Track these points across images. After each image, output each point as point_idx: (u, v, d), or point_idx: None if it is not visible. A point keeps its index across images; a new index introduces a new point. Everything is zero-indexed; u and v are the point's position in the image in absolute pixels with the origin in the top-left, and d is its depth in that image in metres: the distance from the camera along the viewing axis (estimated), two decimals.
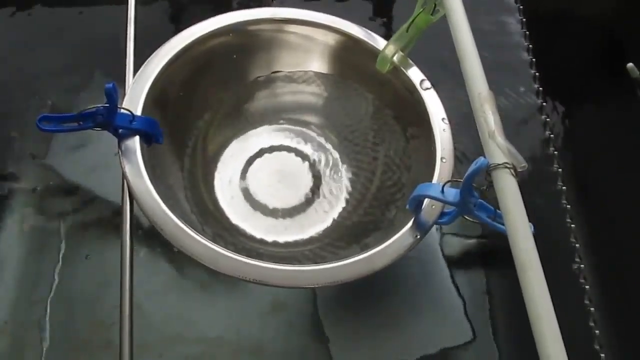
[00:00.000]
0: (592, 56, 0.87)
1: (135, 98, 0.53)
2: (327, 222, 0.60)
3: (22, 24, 0.85)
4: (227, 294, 0.67)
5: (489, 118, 0.44)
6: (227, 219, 0.59)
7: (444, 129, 0.56)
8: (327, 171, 0.63)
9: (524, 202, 0.41)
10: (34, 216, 0.70)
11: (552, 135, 0.79)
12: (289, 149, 0.64)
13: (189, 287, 0.68)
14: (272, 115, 0.65)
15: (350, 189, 0.62)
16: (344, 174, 0.63)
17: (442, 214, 0.52)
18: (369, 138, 0.63)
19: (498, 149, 0.43)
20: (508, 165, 0.42)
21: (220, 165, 0.62)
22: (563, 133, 0.81)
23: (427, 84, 0.58)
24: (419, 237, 0.50)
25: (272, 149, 0.64)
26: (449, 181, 0.46)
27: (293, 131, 0.65)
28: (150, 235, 0.69)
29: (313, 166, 0.63)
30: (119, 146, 0.51)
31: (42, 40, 0.83)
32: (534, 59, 0.86)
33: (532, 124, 0.82)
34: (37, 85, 0.79)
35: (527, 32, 0.89)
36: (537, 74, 0.86)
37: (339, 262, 0.47)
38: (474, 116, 0.46)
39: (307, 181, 0.63)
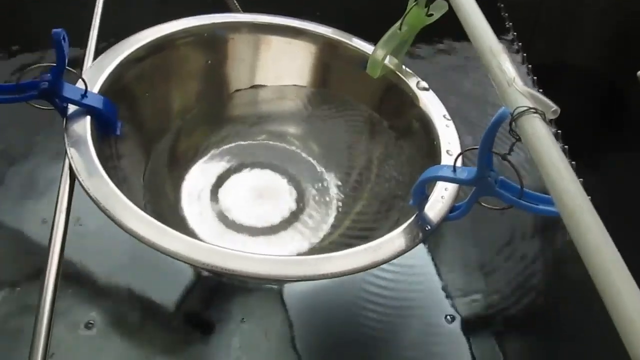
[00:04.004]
0: (593, 106, 0.85)
1: (92, 78, 0.46)
2: (316, 237, 0.51)
3: None
4: None
5: (505, 66, 0.38)
6: (195, 236, 0.49)
7: (447, 125, 0.49)
8: (312, 185, 0.55)
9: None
10: None
11: None
12: (268, 164, 0.56)
13: None
14: (251, 128, 0.58)
15: (340, 201, 0.53)
16: (332, 187, 0.55)
17: (453, 208, 0.43)
18: (359, 148, 0.56)
19: (521, 95, 0.36)
20: (538, 110, 0.35)
21: (188, 178, 0.53)
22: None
23: (424, 84, 0.53)
24: (429, 228, 0.41)
25: (249, 165, 0.56)
26: (464, 151, 0.39)
27: (273, 146, 0.57)
28: (104, 298, 0.60)
29: (295, 181, 0.55)
30: (65, 127, 0.43)
31: None
32: None
33: None
34: None
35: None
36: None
37: (336, 252, 0.38)
38: (487, 72, 0.40)
39: (289, 197, 0.54)
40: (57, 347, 0.55)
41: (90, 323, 0.55)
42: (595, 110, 0.83)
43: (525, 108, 0.34)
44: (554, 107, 0.35)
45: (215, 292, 0.63)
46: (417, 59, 0.76)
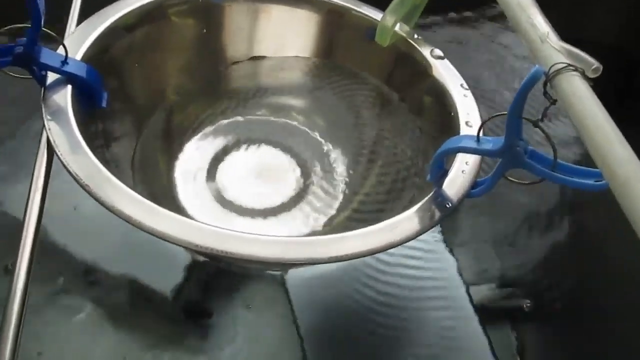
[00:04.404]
0: (610, 81, 0.80)
1: (74, 45, 0.41)
2: (323, 218, 0.47)
3: None
4: None
5: (536, 20, 0.34)
6: (190, 218, 0.45)
7: (465, 95, 0.45)
8: (317, 163, 0.51)
9: None
10: None
11: None
12: (269, 141, 0.52)
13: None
14: (250, 103, 0.53)
15: (348, 179, 0.49)
16: (339, 164, 0.50)
17: (475, 184, 0.39)
18: (368, 123, 0.51)
19: (557, 52, 0.32)
20: (577, 67, 0.31)
21: (182, 157, 0.49)
22: None
23: (439, 52, 0.49)
24: (450, 205, 0.37)
25: (249, 141, 0.52)
26: (492, 117, 0.34)
27: (275, 121, 0.53)
28: (98, 287, 0.56)
29: (299, 159, 0.51)
30: (43, 97, 0.38)
31: None
32: None
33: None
34: None
35: None
36: None
37: (348, 232, 0.34)
38: (516, 30, 0.36)
39: (292, 176, 0.50)
40: (48, 337, 0.52)
41: (83, 312, 0.52)
42: (612, 86, 0.79)
43: (563, 65, 0.30)
44: (596, 63, 0.31)
45: (216, 279, 0.59)
46: (427, 29, 0.72)
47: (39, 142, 0.37)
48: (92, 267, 0.56)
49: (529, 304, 0.56)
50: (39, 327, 0.53)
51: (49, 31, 0.37)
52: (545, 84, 0.31)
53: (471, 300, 0.56)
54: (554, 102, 0.31)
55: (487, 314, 0.57)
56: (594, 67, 0.30)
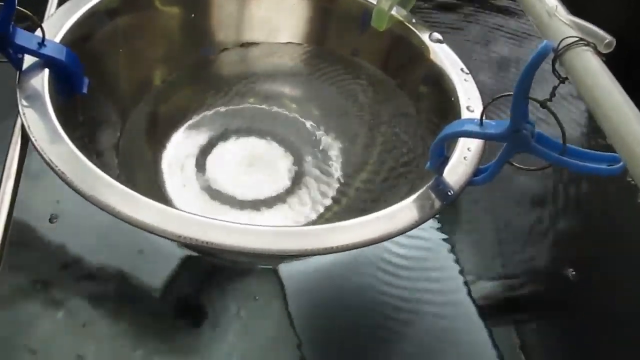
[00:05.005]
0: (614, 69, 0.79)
1: (53, 28, 0.39)
2: (317, 209, 0.45)
3: None
4: None
5: None
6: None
7: (465, 79, 0.43)
8: (310, 152, 0.49)
9: None
10: None
11: None
12: (261, 130, 0.50)
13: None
14: (241, 90, 0.51)
15: (343, 169, 0.47)
16: (334, 153, 0.48)
17: (478, 171, 0.37)
18: (364, 110, 0.49)
19: (566, 26, 0.30)
20: (589, 42, 0.28)
21: (170, 147, 0.47)
22: None
23: (438, 35, 0.46)
24: (452, 193, 0.34)
25: (239, 130, 0.49)
26: (497, 98, 0.32)
27: (267, 110, 0.51)
28: (83, 284, 0.54)
29: (292, 148, 0.49)
30: (18, 80, 0.36)
31: None
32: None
33: None
34: None
35: None
36: None
37: (342, 222, 0.32)
38: (522, 5, 0.33)
39: (285, 166, 0.48)
40: (35, 333, 0.50)
41: (70, 308, 0.50)
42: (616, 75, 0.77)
43: (574, 39, 0.28)
44: (608, 37, 0.29)
45: (209, 275, 0.57)
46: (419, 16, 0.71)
47: (12, 129, 0.34)
48: (80, 262, 0.54)
49: (573, 273, 0.53)
50: (24, 324, 0.51)
51: (23, 10, 0.35)
52: (554, 61, 0.29)
53: (471, 294, 0.54)
54: (563, 80, 0.29)
55: (488, 307, 0.55)
56: (606, 41, 0.28)
